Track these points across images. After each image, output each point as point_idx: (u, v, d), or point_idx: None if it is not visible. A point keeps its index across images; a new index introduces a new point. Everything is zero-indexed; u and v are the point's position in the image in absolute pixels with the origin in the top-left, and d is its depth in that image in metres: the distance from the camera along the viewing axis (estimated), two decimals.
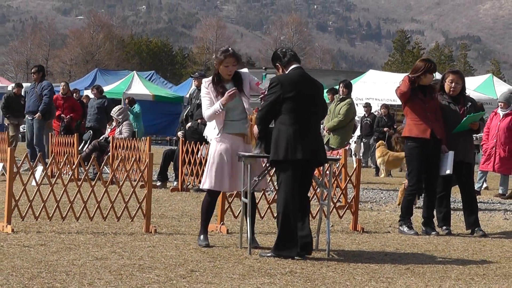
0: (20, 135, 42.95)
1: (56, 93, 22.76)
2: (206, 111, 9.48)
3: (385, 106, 27.53)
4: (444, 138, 11.53)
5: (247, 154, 9.30)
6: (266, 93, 9.18)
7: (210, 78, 9.65)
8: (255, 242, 9.56)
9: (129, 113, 22.63)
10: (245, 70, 9.91)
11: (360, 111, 29.11)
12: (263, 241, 10.07)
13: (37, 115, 20.15)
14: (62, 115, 22.74)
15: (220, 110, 9.38)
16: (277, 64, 9.38)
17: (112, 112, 19.63)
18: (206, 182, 9.50)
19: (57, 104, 22.53)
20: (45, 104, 20.21)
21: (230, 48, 9.67)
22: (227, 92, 9.36)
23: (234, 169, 9.50)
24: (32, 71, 21.43)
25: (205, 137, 10.00)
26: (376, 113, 28.54)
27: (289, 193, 8.97)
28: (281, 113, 9.02)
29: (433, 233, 11.49)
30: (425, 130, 11.43)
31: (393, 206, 14.92)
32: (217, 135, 9.50)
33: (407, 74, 11.74)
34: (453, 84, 11.86)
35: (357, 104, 21.50)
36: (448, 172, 11.49)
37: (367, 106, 28.65)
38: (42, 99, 20.24)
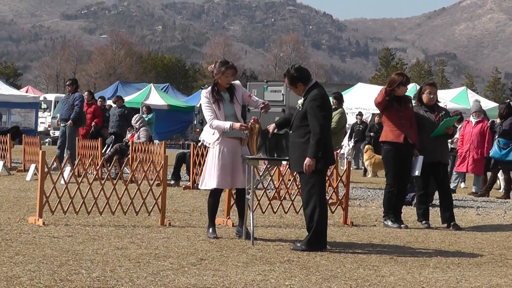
0: (51, 139, 43.19)
1: None
2: (214, 122, 9.39)
3: (378, 115, 27.54)
4: (417, 143, 11.56)
5: (251, 156, 9.29)
6: (300, 107, 9.05)
7: (209, 88, 9.60)
8: (240, 233, 9.62)
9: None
10: (237, 82, 9.81)
11: (352, 119, 29.15)
12: (264, 233, 10.06)
13: (68, 122, 20.15)
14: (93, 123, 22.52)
15: (228, 130, 9.35)
16: (300, 83, 9.14)
17: (132, 120, 19.66)
18: (212, 182, 9.46)
19: None
20: (76, 113, 20.22)
21: (229, 61, 9.68)
22: (241, 124, 9.30)
23: (234, 168, 9.48)
24: (67, 83, 21.42)
25: (202, 141, 9.92)
26: (366, 121, 28.61)
27: (324, 193, 9.04)
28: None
29: (402, 226, 11.49)
30: (399, 136, 11.48)
31: (378, 202, 14.89)
32: (217, 140, 9.46)
33: (384, 86, 11.74)
34: (432, 95, 11.97)
35: (347, 113, 21.47)
36: (417, 173, 11.53)
37: (360, 115, 28.70)
38: (74, 108, 20.26)
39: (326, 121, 8.92)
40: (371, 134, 26.51)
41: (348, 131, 29.08)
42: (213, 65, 9.68)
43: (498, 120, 18.78)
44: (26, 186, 15.78)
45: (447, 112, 12.28)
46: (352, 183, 17.90)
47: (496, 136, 18.41)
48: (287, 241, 9.49)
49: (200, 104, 18.66)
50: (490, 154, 18.20)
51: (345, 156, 28.01)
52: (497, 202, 16.85)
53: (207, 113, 9.49)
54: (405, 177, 11.64)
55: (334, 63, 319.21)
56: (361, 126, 28.25)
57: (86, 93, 23.41)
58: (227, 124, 9.33)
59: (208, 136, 9.60)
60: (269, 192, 12.74)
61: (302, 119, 8.98)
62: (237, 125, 9.31)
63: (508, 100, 26.81)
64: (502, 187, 18.92)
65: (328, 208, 11.60)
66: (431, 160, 11.70)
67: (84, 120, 21.06)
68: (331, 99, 17.83)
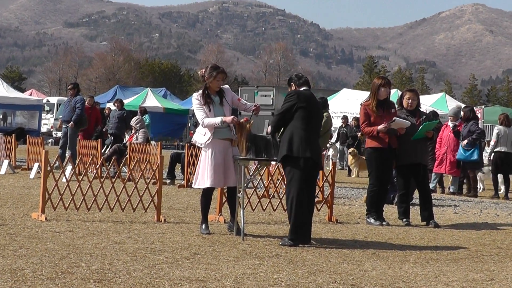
0: (53, 140, 43.08)
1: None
2: (205, 120, 9.40)
3: (355, 118, 27.59)
4: (396, 143, 11.58)
5: (241, 157, 9.28)
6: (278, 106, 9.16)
7: (200, 91, 9.58)
8: (231, 229, 9.59)
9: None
10: (226, 86, 9.81)
11: (338, 123, 29.16)
12: (254, 230, 10.05)
13: (70, 124, 20.08)
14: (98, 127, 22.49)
15: (219, 125, 9.35)
16: (292, 83, 9.35)
17: (131, 121, 19.61)
18: (206, 182, 9.44)
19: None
20: (77, 115, 20.14)
21: (219, 66, 9.67)
22: (233, 117, 9.31)
23: (226, 168, 9.47)
24: (69, 87, 21.33)
25: (194, 142, 9.88)
26: (350, 124, 28.65)
27: (301, 186, 8.95)
28: (294, 119, 9.02)
29: (384, 223, 11.49)
30: (382, 141, 11.49)
31: (361, 201, 14.90)
32: (208, 140, 9.45)
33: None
34: (410, 100, 12.00)
35: (333, 117, 21.50)
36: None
37: (344, 118, 28.71)
38: (75, 111, 20.19)
39: (282, 111, 9.10)
40: (358, 134, 26.57)
41: (335, 134, 29.16)
42: (204, 70, 9.66)
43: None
44: (29, 183, 15.73)
45: (428, 116, 12.32)
46: (337, 183, 17.91)
47: (461, 140, 18.37)
48: (275, 237, 9.49)
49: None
50: (456, 157, 18.14)
51: (331, 157, 28.03)
52: (473, 201, 16.88)
53: (198, 113, 9.49)
54: (387, 177, 11.67)
55: (321, 70, 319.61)
56: (345, 129, 28.36)
57: (88, 98, 23.36)
58: (217, 119, 9.34)
59: (200, 137, 9.58)
60: (259, 191, 12.74)
61: None
62: (228, 118, 9.33)
63: (484, 105, 26.87)
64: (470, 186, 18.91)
65: (315, 206, 11.66)
66: (411, 162, 11.71)
67: (85, 121, 20.98)
68: None
